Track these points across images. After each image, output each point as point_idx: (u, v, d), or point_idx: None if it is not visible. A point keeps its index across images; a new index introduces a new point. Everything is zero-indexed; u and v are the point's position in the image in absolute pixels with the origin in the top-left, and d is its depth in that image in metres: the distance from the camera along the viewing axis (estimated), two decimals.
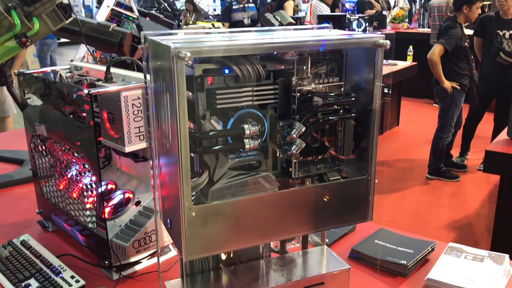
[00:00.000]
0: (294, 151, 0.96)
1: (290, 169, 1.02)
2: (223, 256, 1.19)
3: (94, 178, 1.52)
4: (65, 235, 1.79)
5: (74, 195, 1.65)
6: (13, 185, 2.30)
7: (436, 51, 4.12)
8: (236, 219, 0.93)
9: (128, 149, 1.49)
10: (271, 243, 1.25)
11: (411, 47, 6.30)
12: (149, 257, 1.59)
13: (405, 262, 1.52)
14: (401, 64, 6.06)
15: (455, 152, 4.98)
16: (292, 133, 0.95)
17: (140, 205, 1.58)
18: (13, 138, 3.08)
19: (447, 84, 4.19)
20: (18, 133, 3.27)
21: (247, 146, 0.94)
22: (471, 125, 4.86)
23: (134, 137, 1.50)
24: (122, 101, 1.44)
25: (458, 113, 4.44)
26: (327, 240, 1.69)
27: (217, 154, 0.96)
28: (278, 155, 1.01)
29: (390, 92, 5.73)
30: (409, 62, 6.22)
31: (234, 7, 7.20)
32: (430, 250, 1.61)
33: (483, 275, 1.44)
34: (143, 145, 1.52)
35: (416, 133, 6.19)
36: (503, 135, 3.02)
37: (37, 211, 1.88)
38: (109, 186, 1.71)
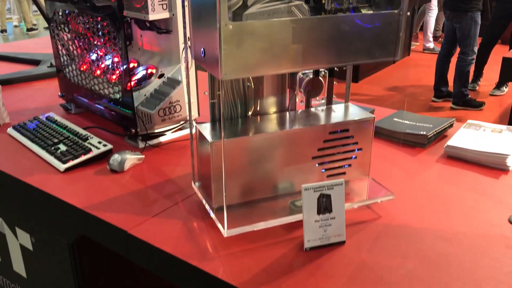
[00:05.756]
0: None
1: (323, 1, 1.02)
2: (249, 112, 1.22)
3: (117, 56, 1.53)
4: (88, 116, 1.83)
5: (98, 73, 1.66)
6: (32, 80, 2.33)
7: None
8: (270, 42, 0.94)
9: (151, 17, 1.49)
10: (297, 98, 1.27)
11: None
12: (173, 130, 1.62)
13: (424, 132, 1.54)
14: None
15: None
16: None
17: (164, 77, 1.60)
18: (29, 45, 3.08)
19: None
20: (34, 41, 3.27)
21: None
22: (486, 50, 4.78)
23: (157, 5, 1.49)
24: None
25: (478, 31, 4.30)
26: None
27: None
28: None
29: None
30: None
31: None
32: (449, 125, 1.63)
33: (501, 143, 1.46)
34: (166, 14, 1.52)
35: (429, 62, 6.12)
36: None
37: (59, 94, 1.90)
38: (131, 65, 1.72)
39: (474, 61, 4.41)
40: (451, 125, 1.65)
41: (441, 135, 1.61)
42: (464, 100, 4.51)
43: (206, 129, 1.14)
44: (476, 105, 4.51)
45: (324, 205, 1.04)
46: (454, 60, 4.46)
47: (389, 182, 1.31)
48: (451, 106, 4.59)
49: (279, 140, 1.14)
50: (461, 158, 1.45)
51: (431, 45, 6.65)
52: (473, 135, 1.52)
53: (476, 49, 4.35)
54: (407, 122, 1.66)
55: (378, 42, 1.04)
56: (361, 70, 5.31)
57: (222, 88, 1.14)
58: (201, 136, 1.14)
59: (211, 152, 1.08)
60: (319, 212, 1.03)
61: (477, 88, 5.00)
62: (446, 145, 1.47)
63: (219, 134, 1.11)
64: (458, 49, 4.39)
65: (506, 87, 4.87)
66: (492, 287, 0.92)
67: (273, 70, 0.98)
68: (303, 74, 1.24)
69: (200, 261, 1.00)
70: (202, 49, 1.00)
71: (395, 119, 1.69)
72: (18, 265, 1.70)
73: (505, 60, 2.73)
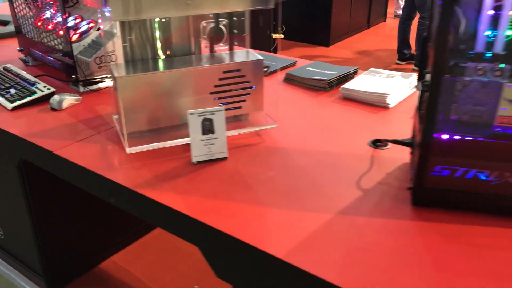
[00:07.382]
0: None
1: None
2: (161, 55, 1.45)
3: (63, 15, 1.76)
4: (43, 67, 2.06)
5: (50, 27, 1.89)
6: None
7: None
8: None
9: None
10: (202, 44, 1.50)
11: None
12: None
13: (326, 78, 1.78)
14: None
15: None
16: None
17: (101, 30, 1.82)
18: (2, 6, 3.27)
19: None
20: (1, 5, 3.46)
21: None
22: None
23: None
24: None
25: None
26: (266, 69, 1.95)
27: None
28: None
29: None
30: None
31: None
32: (352, 72, 1.86)
33: (388, 85, 1.69)
34: None
35: None
36: None
37: (18, 48, 2.13)
38: (77, 20, 1.94)
39: None
40: (355, 72, 1.88)
41: (346, 81, 1.84)
42: None
43: (116, 68, 1.38)
44: None
45: (208, 127, 1.28)
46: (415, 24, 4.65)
47: (284, 117, 1.56)
48: (413, 68, 4.79)
49: (179, 76, 1.37)
50: (352, 99, 1.69)
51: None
52: (368, 79, 1.76)
53: None
54: (317, 70, 1.89)
55: None
56: (332, 35, 5.49)
57: (133, 31, 1.37)
58: (111, 74, 1.38)
59: (117, 85, 1.32)
60: (203, 133, 1.28)
61: None
62: (341, 87, 1.71)
63: (125, 71, 1.35)
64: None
65: None
66: (331, 187, 1.17)
67: (159, 14, 1.21)
68: (206, 22, 1.46)
69: (105, 171, 1.25)
70: None
71: (309, 68, 1.92)
72: None
73: None
